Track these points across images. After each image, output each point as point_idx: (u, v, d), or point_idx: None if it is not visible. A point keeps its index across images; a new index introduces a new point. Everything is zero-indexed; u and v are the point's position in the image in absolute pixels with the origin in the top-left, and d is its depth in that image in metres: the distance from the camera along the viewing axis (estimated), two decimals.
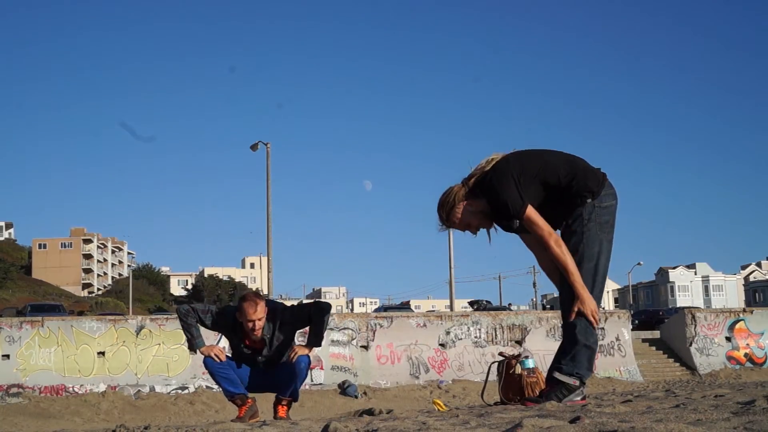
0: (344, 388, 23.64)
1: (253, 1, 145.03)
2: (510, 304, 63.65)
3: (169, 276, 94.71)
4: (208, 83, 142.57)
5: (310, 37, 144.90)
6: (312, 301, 5.20)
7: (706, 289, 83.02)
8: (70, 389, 21.27)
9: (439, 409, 4.66)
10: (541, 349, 24.93)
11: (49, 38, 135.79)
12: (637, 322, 34.24)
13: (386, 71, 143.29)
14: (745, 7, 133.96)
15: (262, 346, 5.05)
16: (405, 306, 53.37)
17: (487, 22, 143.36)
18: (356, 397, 23.39)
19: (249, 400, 5.13)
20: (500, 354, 4.91)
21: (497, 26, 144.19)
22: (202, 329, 5.13)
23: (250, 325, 4.89)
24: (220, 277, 76.17)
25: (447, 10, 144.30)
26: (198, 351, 5.08)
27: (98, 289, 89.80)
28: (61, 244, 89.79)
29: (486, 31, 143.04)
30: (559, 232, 4.07)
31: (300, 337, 5.43)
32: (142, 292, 75.09)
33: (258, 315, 4.88)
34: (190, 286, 75.12)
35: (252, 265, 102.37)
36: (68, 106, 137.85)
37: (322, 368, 23.59)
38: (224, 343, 5.69)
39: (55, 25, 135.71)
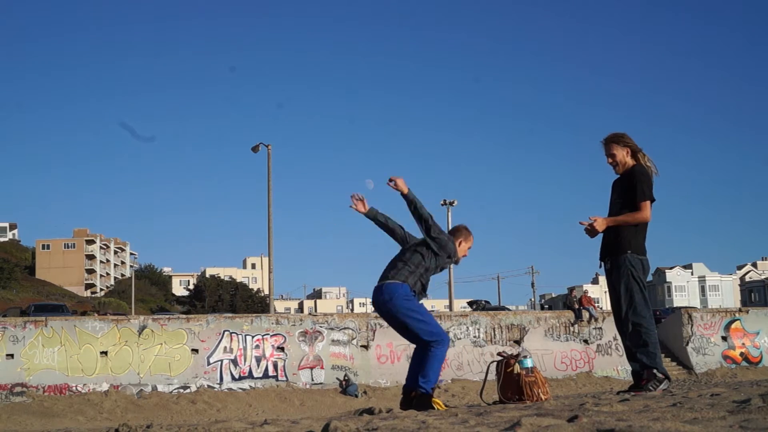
0: (345, 384, 23.68)
1: (253, 1, 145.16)
2: (517, 307, 63.58)
3: (171, 276, 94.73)
4: (208, 83, 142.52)
5: (310, 37, 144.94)
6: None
7: (703, 290, 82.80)
8: (74, 388, 21.29)
9: (438, 408, 4.70)
10: (540, 348, 24.95)
11: (50, 38, 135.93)
12: None
13: (386, 71, 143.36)
14: (745, 8, 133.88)
15: None
16: None
17: (488, 21, 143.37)
18: (356, 396, 23.44)
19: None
20: (499, 353, 4.94)
21: (498, 26, 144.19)
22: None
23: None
24: (222, 277, 76.03)
25: (447, 9, 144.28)
26: None
27: (101, 290, 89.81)
28: (65, 244, 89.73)
29: (486, 31, 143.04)
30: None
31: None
32: (145, 293, 75.10)
33: None
34: (191, 287, 75.02)
35: (253, 266, 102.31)
36: (69, 106, 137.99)
37: (322, 367, 23.61)
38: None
39: (56, 24, 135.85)
